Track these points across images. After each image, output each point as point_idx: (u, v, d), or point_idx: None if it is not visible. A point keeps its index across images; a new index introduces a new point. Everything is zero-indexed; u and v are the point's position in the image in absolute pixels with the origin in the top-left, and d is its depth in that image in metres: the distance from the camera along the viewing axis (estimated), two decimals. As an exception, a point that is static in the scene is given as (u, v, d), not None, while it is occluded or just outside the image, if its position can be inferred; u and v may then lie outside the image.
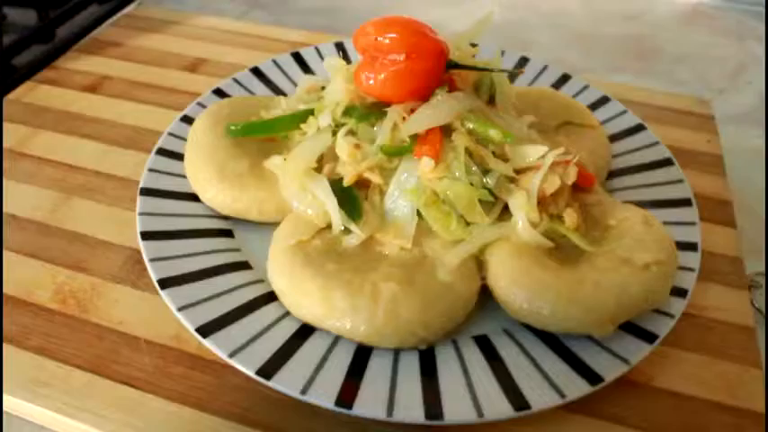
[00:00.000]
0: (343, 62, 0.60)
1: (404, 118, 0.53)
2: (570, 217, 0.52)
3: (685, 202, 0.60)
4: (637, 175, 0.64)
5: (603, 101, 0.72)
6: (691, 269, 0.53)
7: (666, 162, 0.64)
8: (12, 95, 0.77)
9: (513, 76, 0.71)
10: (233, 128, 0.59)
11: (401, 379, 0.46)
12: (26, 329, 0.53)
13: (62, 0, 0.97)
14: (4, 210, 0.62)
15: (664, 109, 0.78)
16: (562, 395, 0.45)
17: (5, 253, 0.58)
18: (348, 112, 0.56)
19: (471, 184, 0.52)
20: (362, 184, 0.54)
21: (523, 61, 0.78)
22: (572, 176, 0.53)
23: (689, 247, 0.55)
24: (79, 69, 0.82)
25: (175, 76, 0.81)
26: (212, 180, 0.57)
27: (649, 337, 0.48)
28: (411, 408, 0.44)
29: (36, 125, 0.73)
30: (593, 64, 0.91)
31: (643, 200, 0.60)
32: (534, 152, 0.54)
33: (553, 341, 0.49)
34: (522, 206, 0.51)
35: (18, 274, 0.57)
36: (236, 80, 0.72)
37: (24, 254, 0.58)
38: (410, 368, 0.47)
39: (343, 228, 0.52)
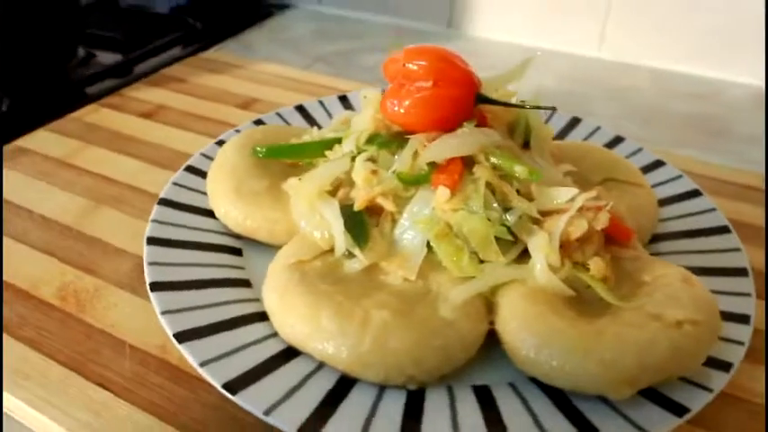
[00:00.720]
0: (378, 94, 0.59)
1: (425, 146, 0.51)
2: (597, 265, 0.47)
3: (741, 272, 0.53)
4: (688, 240, 0.58)
5: (657, 164, 0.67)
6: (740, 342, 0.46)
7: (722, 230, 0.58)
8: (75, 114, 0.81)
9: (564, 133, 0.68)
10: (258, 149, 0.59)
11: (379, 416, 0.41)
12: (22, 320, 0.52)
13: (147, 41, 1.05)
14: (37, 210, 0.64)
15: (727, 183, 0.71)
16: (563, 461, 0.38)
17: (22, 247, 0.59)
18: (371, 139, 0.54)
19: (489, 220, 0.48)
20: (375, 211, 0.51)
21: (575, 121, 0.75)
22: (602, 222, 0.48)
23: (741, 319, 0.48)
24: (140, 98, 0.86)
25: (227, 111, 0.84)
26: (228, 195, 0.56)
27: (678, 409, 0.41)
28: (383, 449, 0.38)
29: (88, 141, 0.76)
30: (655, 137, 0.86)
31: (693, 266, 0.53)
32: (563, 194, 0.50)
33: (562, 400, 0.43)
34: (542, 247, 0.47)
35: (30, 268, 0.57)
36: (278, 114, 0.73)
37: (41, 251, 0.59)
38: (393, 407, 0.42)
39: (346, 252, 0.49)
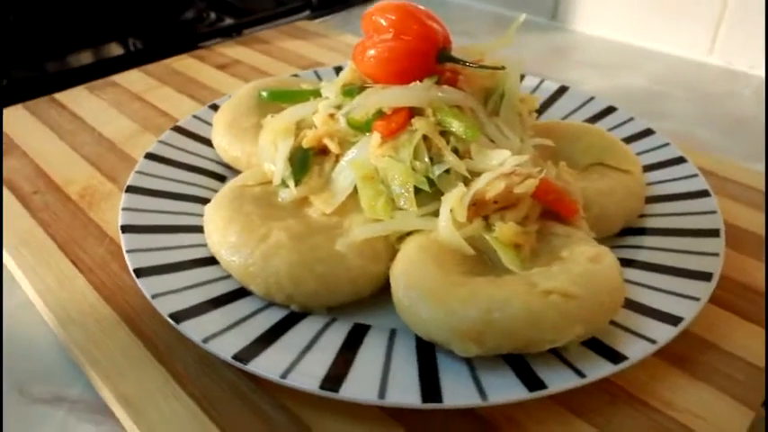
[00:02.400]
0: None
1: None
2: (503, 229, 0.45)
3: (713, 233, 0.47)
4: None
5: (647, 132, 0.66)
6: (695, 299, 0.45)
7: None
8: (166, 61, 0.94)
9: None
10: (263, 91, 0.64)
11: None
12: (45, 206, 0.63)
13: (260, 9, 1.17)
14: (99, 129, 0.76)
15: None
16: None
17: (75, 155, 0.71)
18: (343, 88, 0.57)
19: (413, 169, 0.49)
20: (325, 152, 0.54)
21: (563, 90, 0.75)
22: (525, 188, 0.46)
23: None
24: (223, 52, 0.97)
25: (289, 70, 0.91)
26: (221, 127, 0.63)
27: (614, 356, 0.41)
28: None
29: (164, 82, 0.88)
30: (727, 145, 0.77)
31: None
32: (495, 156, 0.48)
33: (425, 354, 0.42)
34: (451, 201, 0.46)
35: (71, 170, 0.68)
36: (315, 72, 0.79)
37: (87, 160, 0.70)
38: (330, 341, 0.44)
39: (282, 182, 0.53)
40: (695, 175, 0.59)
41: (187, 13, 1.17)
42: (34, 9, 0.98)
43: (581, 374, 0.40)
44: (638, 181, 0.55)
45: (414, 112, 0.51)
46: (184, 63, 0.94)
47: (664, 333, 0.43)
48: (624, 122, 0.68)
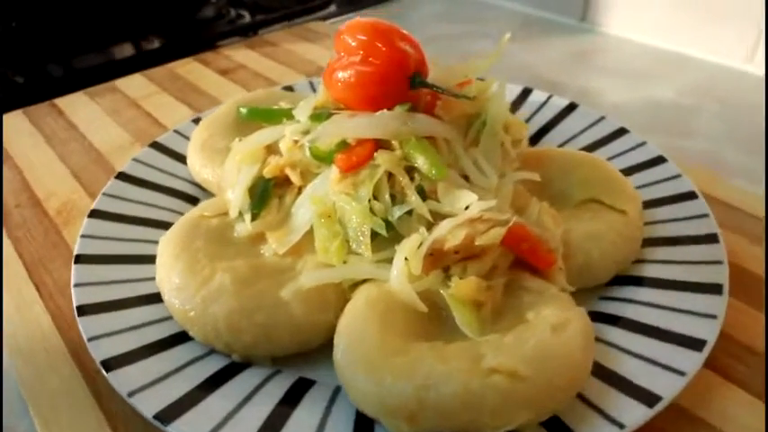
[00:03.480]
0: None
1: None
2: (460, 285, 0.40)
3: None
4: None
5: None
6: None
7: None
8: (170, 65, 0.92)
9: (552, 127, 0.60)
10: (241, 108, 0.61)
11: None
12: (23, 221, 0.63)
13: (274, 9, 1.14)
14: (89, 138, 0.75)
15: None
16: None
17: (60, 165, 0.70)
18: (313, 111, 0.53)
19: (371, 210, 0.44)
20: (288, 183, 0.51)
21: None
22: (489, 240, 0.41)
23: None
24: (229, 56, 0.94)
25: (292, 77, 0.87)
26: (198, 145, 0.60)
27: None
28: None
29: (164, 87, 0.86)
30: (756, 167, 0.69)
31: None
32: (463, 199, 0.44)
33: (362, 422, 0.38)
34: (406, 250, 0.42)
35: (54, 182, 0.68)
36: (310, 82, 0.75)
37: (72, 170, 0.70)
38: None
39: (239, 214, 0.49)
40: (705, 215, 0.52)
41: (206, 11, 1.16)
42: (47, 9, 0.98)
43: (532, 460, 0.35)
44: (634, 224, 0.49)
45: (379, 144, 0.47)
46: (188, 67, 0.91)
47: (635, 415, 0.37)
48: (634, 147, 0.61)
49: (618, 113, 0.68)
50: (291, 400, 0.40)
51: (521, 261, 0.44)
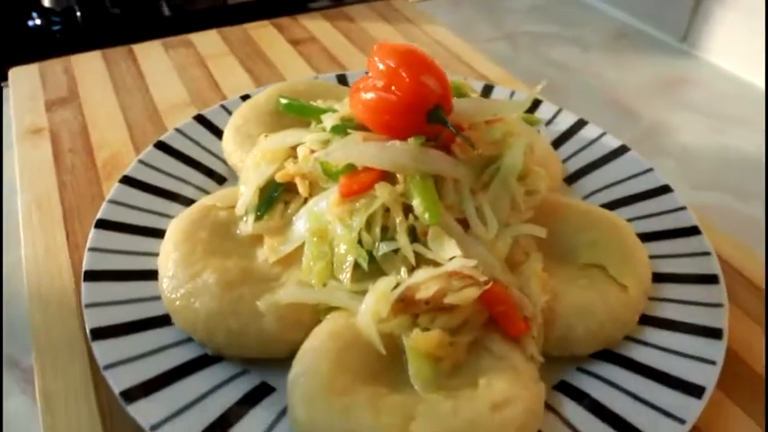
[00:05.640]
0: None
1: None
2: (423, 339, 0.41)
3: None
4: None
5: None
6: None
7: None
8: (246, 25, 0.94)
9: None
10: (281, 99, 0.62)
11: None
12: (72, 168, 0.67)
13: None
14: (151, 92, 0.79)
15: None
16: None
17: (119, 117, 0.74)
18: (339, 122, 0.53)
19: (359, 240, 0.45)
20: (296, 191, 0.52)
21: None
22: (459, 299, 0.41)
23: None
24: (305, 25, 0.95)
25: (359, 59, 0.87)
26: (232, 129, 0.62)
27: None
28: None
29: (233, 50, 0.88)
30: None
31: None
32: (449, 249, 0.43)
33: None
34: (379, 290, 0.42)
35: (108, 133, 0.72)
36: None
37: (128, 123, 0.73)
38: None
39: (244, 212, 0.51)
40: (719, 306, 0.49)
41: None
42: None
43: None
44: (630, 304, 0.47)
45: (384, 174, 0.47)
46: (261, 31, 0.93)
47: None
48: (673, 211, 0.58)
49: (685, 156, 0.63)
50: (250, 401, 0.43)
51: (493, 321, 0.44)
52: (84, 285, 0.48)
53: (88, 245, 0.52)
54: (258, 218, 0.51)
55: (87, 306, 0.47)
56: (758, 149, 0.78)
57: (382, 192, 0.45)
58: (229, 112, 0.68)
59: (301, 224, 0.49)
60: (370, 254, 0.45)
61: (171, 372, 0.44)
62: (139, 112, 0.75)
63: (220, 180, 0.62)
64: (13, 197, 0.65)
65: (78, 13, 1.04)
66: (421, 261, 0.44)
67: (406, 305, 0.42)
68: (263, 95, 0.65)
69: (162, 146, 0.63)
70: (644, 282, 0.49)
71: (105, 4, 1.08)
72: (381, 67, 0.48)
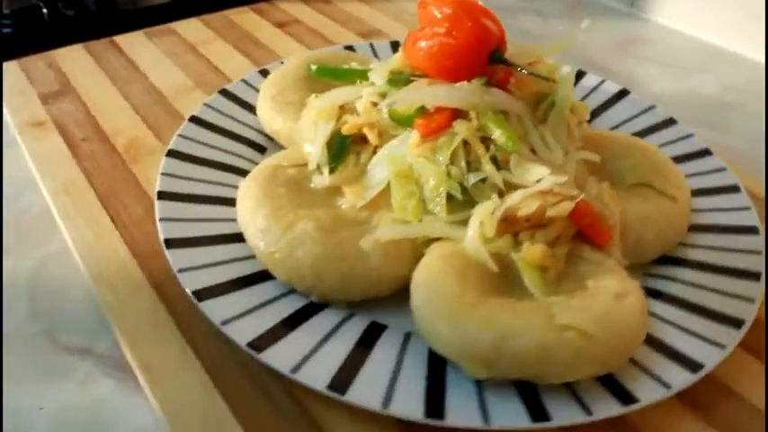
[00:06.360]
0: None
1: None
2: (530, 250, 0.44)
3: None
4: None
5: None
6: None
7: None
8: (226, 11, 0.94)
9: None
10: (313, 65, 0.64)
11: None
12: (92, 155, 0.65)
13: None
14: (151, 79, 0.77)
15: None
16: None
17: (125, 103, 0.73)
18: (390, 76, 0.55)
19: (448, 174, 0.48)
20: (364, 142, 0.54)
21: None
22: (560, 212, 0.45)
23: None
24: (284, 9, 0.96)
25: (347, 37, 0.89)
26: (268, 97, 0.62)
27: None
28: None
29: (221, 35, 0.88)
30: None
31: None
32: (536, 171, 0.47)
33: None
34: (481, 214, 0.45)
35: (120, 120, 0.70)
36: (371, 45, 0.77)
37: (136, 109, 0.72)
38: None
39: (317, 167, 0.52)
40: (747, 208, 0.56)
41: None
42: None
43: (588, 411, 0.40)
44: (682, 210, 0.53)
45: (457, 113, 0.50)
46: (243, 17, 0.93)
47: (681, 379, 0.42)
48: (682, 138, 0.65)
49: (661, 104, 0.71)
50: (368, 341, 0.44)
51: (580, 234, 0.48)
52: (178, 252, 0.48)
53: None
54: (332, 170, 0.52)
55: (180, 271, 0.47)
56: (724, 91, 0.88)
57: (461, 128, 0.48)
58: (251, 86, 0.68)
59: (379, 170, 0.51)
60: (460, 185, 0.47)
61: (286, 321, 0.45)
62: (144, 99, 0.74)
63: (261, 149, 0.62)
64: (22, 194, 0.62)
65: (45, 11, 0.99)
66: (508, 187, 0.47)
67: (507, 225, 0.45)
68: (291, 65, 0.66)
69: (196, 120, 0.62)
70: (687, 193, 0.54)
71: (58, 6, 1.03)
72: (438, 15, 0.51)
